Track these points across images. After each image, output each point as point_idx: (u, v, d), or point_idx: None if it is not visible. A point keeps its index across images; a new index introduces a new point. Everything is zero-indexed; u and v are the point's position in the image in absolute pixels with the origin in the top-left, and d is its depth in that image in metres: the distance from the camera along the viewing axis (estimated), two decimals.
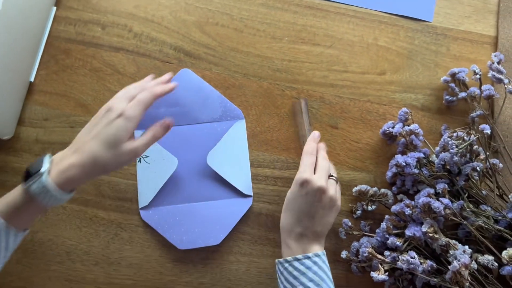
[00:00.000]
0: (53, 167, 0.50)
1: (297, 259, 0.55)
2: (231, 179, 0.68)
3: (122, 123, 0.52)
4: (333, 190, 0.59)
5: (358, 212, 0.68)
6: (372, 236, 0.65)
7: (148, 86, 0.57)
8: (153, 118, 0.63)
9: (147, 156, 0.69)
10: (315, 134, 0.65)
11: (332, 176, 0.61)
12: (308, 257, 0.55)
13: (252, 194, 0.68)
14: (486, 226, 0.60)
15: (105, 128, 0.52)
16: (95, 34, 0.74)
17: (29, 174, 0.49)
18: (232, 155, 0.69)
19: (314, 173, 0.60)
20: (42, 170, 0.49)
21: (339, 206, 0.60)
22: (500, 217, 0.61)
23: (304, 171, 0.59)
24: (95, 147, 0.51)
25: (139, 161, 0.69)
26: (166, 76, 0.61)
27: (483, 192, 0.64)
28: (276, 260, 0.57)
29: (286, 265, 0.55)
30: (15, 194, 0.49)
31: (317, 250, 0.57)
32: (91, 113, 0.71)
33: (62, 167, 0.50)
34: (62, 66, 0.72)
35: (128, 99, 0.54)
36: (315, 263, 0.55)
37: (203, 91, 0.72)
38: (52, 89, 0.72)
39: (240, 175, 0.69)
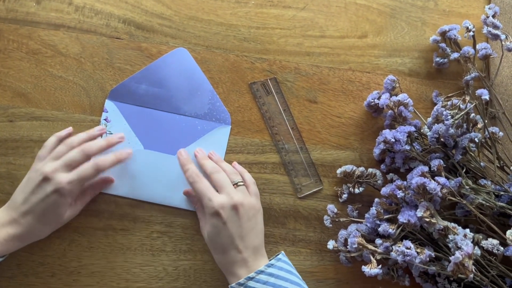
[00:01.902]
0: None
1: (250, 278, 0.50)
2: None
3: (59, 201, 0.52)
4: (247, 197, 0.55)
5: (344, 196, 0.61)
6: (361, 222, 0.58)
7: (91, 149, 0.55)
8: (131, 92, 0.61)
9: (111, 133, 0.60)
10: (182, 154, 0.60)
11: (237, 182, 0.56)
12: (262, 271, 0.51)
13: None
14: (487, 203, 0.53)
15: (41, 203, 0.51)
16: (29, 10, 0.63)
17: None
18: None
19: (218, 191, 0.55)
20: None
21: (260, 206, 0.57)
22: (502, 192, 0.55)
23: (209, 200, 0.53)
24: (32, 222, 0.52)
25: (101, 136, 0.60)
26: (117, 135, 0.59)
27: (482, 164, 0.57)
28: (229, 286, 0.51)
29: None
30: None
31: (265, 260, 0.53)
32: (32, 103, 0.61)
33: (3, 237, 0.51)
34: None
35: (68, 167, 0.53)
36: (270, 275, 0.51)
37: (195, 79, 0.62)
38: None
39: None
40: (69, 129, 0.58)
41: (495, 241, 0.50)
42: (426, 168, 0.53)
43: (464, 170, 0.56)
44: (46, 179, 0.51)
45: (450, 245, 0.51)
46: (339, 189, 0.62)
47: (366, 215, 0.57)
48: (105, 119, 0.61)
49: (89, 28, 0.63)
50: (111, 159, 0.55)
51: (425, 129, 0.60)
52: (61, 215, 0.53)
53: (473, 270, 0.46)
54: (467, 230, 0.51)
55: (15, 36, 0.62)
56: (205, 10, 0.64)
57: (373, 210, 0.56)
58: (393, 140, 0.55)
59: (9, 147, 0.60)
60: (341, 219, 0.59)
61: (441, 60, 0.63)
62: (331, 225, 0.59)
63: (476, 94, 0.56)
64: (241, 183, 0.56)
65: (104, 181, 0.59)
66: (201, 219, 0.57)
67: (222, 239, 0.52)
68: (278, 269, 0.52)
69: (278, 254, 0.54)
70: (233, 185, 0.55)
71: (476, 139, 0.54)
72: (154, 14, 0.63)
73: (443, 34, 0.63)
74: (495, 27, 0.59)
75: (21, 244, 0.53)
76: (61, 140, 0.56)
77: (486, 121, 0.56)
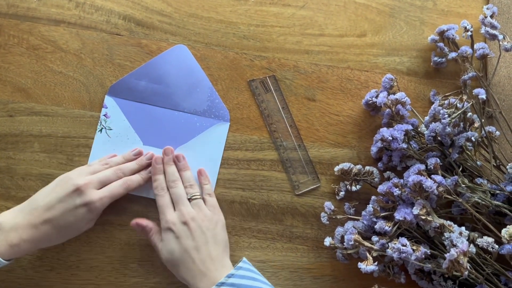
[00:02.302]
0: (2, 236, 0.49)
1: None
2: (195, 177, 0.61)
3: (85, 215, 0.53)
4: (200, 210, 0.56)
5: (341, 193, 0.61)
6: (357, 220, 0.58)
7: (125, 172, 0.58)
8: (130, 89, 0.62)
9: (111, 129, 0.61)
10: (157, 161, 0.59)
11: (192, 197, 0.57)
12: (222, 284, 0.50)
13: None
14: (483, 202, 0.54)
15: (66, 213, 0.52)
16: (30, 6, 0.63)
17: None
18: (203, 156, 0.61)
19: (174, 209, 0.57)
20: None
21: (220, 218, 0.57)
22: (497, 191, 0.55)
23: (164, 216, 0.56)
24: (52, 230, 0.52)
25: (100, 131, 0.61)
26: (147, 156, 0.60)
27: (478, 163, 0.57)
28: None
29: None
30: None
31: (227, 270, 0.53)
32: (32, 98, 0.61)
33: (13, 241, 0.50)
34: None
35: (100, 183, 0.55)
36: (232, 285, 0.50)
37: (194, 76, 0.63)
38: None
39: None
40: (112, 154, 0.60)
41: (490, 239, 0.51)
42: (422, 166, 0.53)
43: (460, 169, 0.56)
44: (77, 191, 0.53)
45: (445, 243, 0.51)
46: (337, 186, 0.62)
47: (363, 213, 0.57)
48: (104, 115, 0.61)
49: (90, 24, 0.63)
50: (138, 181, 0.58)
51: (422, 128, 0.60)
52: (81, 228, 0.54)
53: (468, 267, 0.46)
54: (463, 228, 0.51)
55: (16, 31, 0.63)
56: (205, 8, 0.64)
57: (369, 207, 0.56)
58: (391, 138, 0.55)
59: (8, 141, 0.61)
60: (338, 217, 0.59)
61: (439, 60, 0.64)
62: (328, 222, 0.60)
63: (473, 93, 0.56)
64: (197, 196, 0.57)
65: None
66: (157, 243, 0.56)
67: (178, 253, 0.53)
68: (240, 277, 0.51)
69: (239, 262, 0.54)
70: (189, 198, 0.57)
71: (472, 138, 0.55)
72: (154, 11, 0.64)
73: (441, 33, 0.63)
74: (493, 27, 0.60)
75: (31, 250, 0.52)
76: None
77: (483, 120, 0.57)
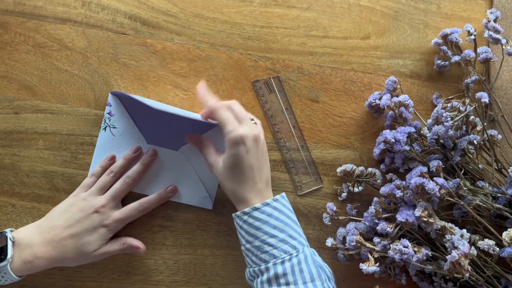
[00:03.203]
0: (17, 253, 0.51)
1: (256, 209, 0.51)
2: (198, 177, 0.62)
3: (103, 234, 0.55)
4: (262, 132, 0.56)
5: (344, 195, 0.61)
6: (359, 221, 0.59)
7: (134, 180, 0.59)
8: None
9: (115, 127, 0.61)
10: (202, 86, 0.58)
11: (252, 119, 0.56)
12: (267, 204, 0.52)
13: (211, 207, 0.62)
14: (484, 205, 0.54)
15: (85, 232, 0.54)
16: (37, 4, 0.63)
17: None
18: None
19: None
20: (6, 259, 0.50)
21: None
22: (499, 194, 0.56)
23: (234, 128, 0.53)
24: (68, 248, 0.53)
25: (104, 129, 0.61)
26: (149, 153, 0.61)
27: (480, 166, 0.58)
28: (233, 215, 0.53)
29: (245, 217, 0.52)
30: None
31: (271, 196, 0.54)
32: (38, 95, 0.62)
33: (28, 258, 0.52)
34: (0, 42, 0.62)
35: (115, 199, 0.57)
36: (275, 208, 0.52)
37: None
38: None
39: (209, 179, 0.62)
40: (112, 156, 0.61)
41: (491, 242, 0.51)
42: (425, 169, 0.54)
43: (462, 172, 0.56)
44: (96, 212, 0.55)
45: (447, 245, 0.51)
46: (339, 187, 0.62)
47: (365, 214, 0.58)
48: (108, 113, 0.61)
49: (96, 23, 0.64)
50: (155, 199, 0.59)
51: (425, 130, 0.61)
52: (98, 248, 0.55)
53: (469, 269, 0.47)
54: (464, 231, 0.52)
55: (22, 29, 0.63)
56: (210, 8, 0.65)
57: (371, 209, 0.56)
58: (393, 141, 0.56)
59: (13, 138, 0.61)
60: (340, 217, 0.60)
61: (442, 63, 0.64)
62: (330, 223, 0.60)
63: (476, 97, 0.57)
64: (254, 121, 0.56)
65: (137, 248, 0.58)
66: (211, 154, 0.57)
67: (242, 168, 0.52)
68: (282, 205, 0.53)
69: (282, 194, 0.55)
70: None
71: (475, 141, 0.55)
72: (160, 11, 0.64)
73: (445, 37, 0.64)
74: (496, 31, 0.60)
75: (44, 268, 0.53)
76: (105, 169, 0.59)
77: (485, 123, 0.57)
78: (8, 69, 0.62)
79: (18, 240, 0.52)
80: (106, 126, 0.61)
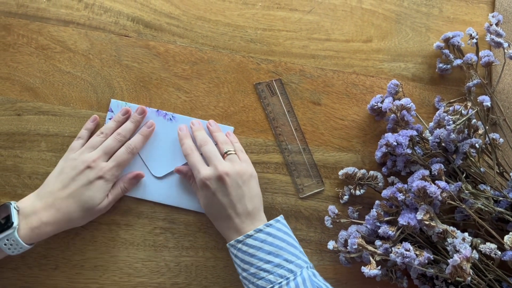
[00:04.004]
0: (23, 221, 0.51)
1: (249, 236, 0.52)
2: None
3: (102, 186, 0.55)
4: (235, 165, 0.56)
5: (345, 197, 0.62)
6: (361, 224, 0.59)
7: (125, 135, 0.58)
8: None
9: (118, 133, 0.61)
10: (182, 129, 0.60)
11: (227, 152, 0.57)
12: (260, 230, 0.52)
13: None
14: (486, 208, 0.54)
15: (83, 188, 0.54)
16: (40, 6, 0.64)
17: None
18: None
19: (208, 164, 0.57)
20: (13, 226, 0.50)
21: (254, 172, 0.57)
22: (500, 198, 0.56)
23: (198, 173, 0.55)
24: (72, 207, 0.53)
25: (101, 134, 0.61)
26: (139, 110, 0.61)
27: (482, 169, 0.58)
28: (228, 245, 0.54)
29: (239, 245, 0.52)
30: None
31: (262, 223, 0.54)
32: (40, 97, 0.62)
33: (34, 224, 0.52)
34: (3, 44, 0.63)
35: (106, 154, 0.56)
36: (268, 234, 0.52)
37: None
38: None
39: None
40: (94, 117, 0.61)
41: (493, 245, 0.51)
42: (426, 172, 0.54)
43: (464, 175, 0.56)
44: (89, 167, 0.54)
45: (448, 248, 0.51)
46: (341, 190, 0.62)
47: (367, 217, 0.58)
48: (110, 119, 0.61)
49: (98, 25, 0.64)
50: (140, 139, 0.59)
51: (426, 134, 0.61)
52: (99, 201, 0.55)
53: (471, 273, 0.47)
54: (466, 234, 0.52)
55: (25, 31, 0.63)
56: (213, 11, 0.65)
57: (373, 212, 0.56)
58: (395, 144, 0.56)
59: (16, 140, 0.61)
60: (342, 220, 0.60)
61: (444, 66, 0.64)
62: (331, 226, 0.60)
63: (477, 100, 0.57)
64: (231, 152, 0.57)
65: (136, 176, 0.59)
66: (196, 191, 0.59)
67: (214, 208, 0.55)
68: (276, 229, 0.53)
69: (277, 217, 0.55)
70: (224, 154, 0.57)
71: (476, 145, 0.55)
72: (163, 13, 0.64)
73: (447, 40, 0.64)
74: (498, 35, 0.60)
75: (53, 232, 0.53)
76: (91, 132, 0.60)
77: (487, 127, 0.57)
78: (11, 71, 0.62)
79: (22, 209, 0.52)
80: (103, 132, 0.61)
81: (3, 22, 0.63)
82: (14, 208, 0.52)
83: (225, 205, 0.53)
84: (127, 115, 0.60)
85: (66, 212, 0.53)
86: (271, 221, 0.54)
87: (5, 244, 0.50)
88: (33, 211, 0.52)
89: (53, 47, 0.63)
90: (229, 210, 0.53)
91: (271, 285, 0.49)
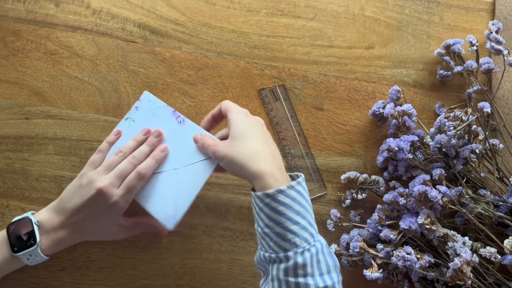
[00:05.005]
0: (43, 236, 0.53)
1: (281, 191, 0.46)
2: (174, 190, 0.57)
3: (114, 214, 0.54)
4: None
5: (348, 201, 0.62)
6: (363, 227, 0.60)
7: (139, 159, 0.56)
8: None
9: (134, 121, 0.59)
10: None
11: None
12: (292, 187, 0.47)
13: (171, 227, 0.55)
14: (486, 213, 0.55)
15: (97, 216, 0.54)
16: (48, 12, 0.65)
17: (19, 243, 0.53)
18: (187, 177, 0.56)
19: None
20: (36, 243, 0.53)
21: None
22: (500, 202, 0.57)
23: (247, 113, 0.54)
24: (88, 232, 0.55)
25: (126, 119, 0.59)
26: (155, 133, 0.58)
27: (482, 174, 0.59)
28: (253, 193, 0.48)
29: (267, 200, 0.46)
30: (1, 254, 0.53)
31: (285, 177, 0.50)
32: (48, 101, 0.63)
33: (54, 240, 0.54)
34: (12, 49, 0.64)
35: (119, 178, 0.54)
36: (299, 192, 0.48)
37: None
38: (2, 76, 0.63)
39: (183, 197, 0.55)
40: (118, 131, 0.58)
41: (493, 249, 0.52)
42: (427, 177, 0.55)
43: (464, 180, 0.57)
44: (100, 193, 0.52)
45: (449, 252, 0.52)
46: (343, 194, 0.63)
47: (368, 221, 0.59)
48: (136, 107, 0.59)
49: (105, 31, 0.65)
50: (152, 164, 0.55)
51: (427, 139, 0.62)
52: (115, 225, 0.56)
53: (471, 277, 0.47)
54: (466, 238, 0.52)
55: (34, 36, 0.64)
56: (217, 18, 0.66)
57: (375, 215, 0.57)
58: (397, 149, 0.57)
59: (24, 143, 0.62)
60: (344, 224, 0.61)
61: (445, 73, 0.65)
62: (334, 229, 0.61)
63: (478, 106, 0.58)
64: None
65: (158, 228, 0.59)
66: (210, 138, 0.54)
67: (254, 135, 0.51)
68: (303, 188, 0.49)
69: (299, 175, 0.51)
70: None
71: (477, 150, 0.56)
72: (169, 20, 0.66)
73: (448, 47, 0.65)
74: (498, 42, 0.61)
75: (70, 245, 0.56)
76: (111, 144, 0.57)
77: (487, 133, 0.58)
78: (20, 76, 0.64)
79: (42, 224, 0.54)
80: (128, 118, 0.59)
81: (12, 28, 0.64)
82: (35, 224, 0.53)
83: (266, 139, 0.52)
84: (147, 136, 0.58)
85: (81, 234, 0.55)
86: (299, 179, 0.49)
87: (27, 259, 0.53)
88: (52, 228, 0.54)
89: (61, 52, 0.64)
90: (269, 144, 0.52)
91: (295, 249, 0.45)
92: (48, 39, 0.64)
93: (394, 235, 0.54)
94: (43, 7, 0.65)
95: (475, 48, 0.63)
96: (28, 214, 0.54)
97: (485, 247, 0.53)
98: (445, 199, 0.53)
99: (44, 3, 0.65)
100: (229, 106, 0.54)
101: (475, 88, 0.62)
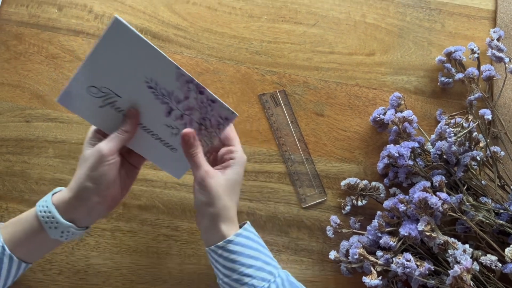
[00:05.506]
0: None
1: (230, 241, 0.48)
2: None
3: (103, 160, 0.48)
4: None
5: (347, 208, 0.62)
6: (362, 234, 0.59)
7: None
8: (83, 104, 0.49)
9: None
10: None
11: None
12: (239, 234, 0.49)
13: (179, 178, 0.54)
14: (487, 221, 0.55)
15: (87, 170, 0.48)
16: (51, 16, 0.66)
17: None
18: None
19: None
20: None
21: None
22: (501, 210, 0.56)
23: (242, 151, 0.53)
24: (87, 189, 0.48)
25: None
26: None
27: (483, 182, 0.58)
28: (207, 249, 0.50)
29: (220, 251, 0.49)
30: (24, 220, 0.48)
31: (237, 226, 0.51)
32: (49, 105, 0.63)
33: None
34: (14, 53, 0.64)
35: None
36: (247, 237, 0.50)
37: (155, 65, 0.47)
38: (4, 79, 0.64)
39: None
40: None
41: (494, 257, 0.51)
42: (428, 183, 0.54)
43: (465, 187, 0.57)
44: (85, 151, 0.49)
45: (449, 260, 0.52)
46: (343, 201, 0.63)
47: (368, 227, 0.58)
48: None
49: None
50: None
51: (428, 146, 0.61)
52: (108, 175, 0.48)
53: (471, 285, 0.47)
54: (467, 246, 0.52)
55: (36, 40, 0.65)
56: (219, 23, 0.66)
57: (375, 222, 0.57)
58: (397, 155, 0.57)
59: (24, 146, 0.62)
60: (344, 230, 0.60)
61: (446, 80, 0.65)
62: (333, 236, 0.60)
63: (479, 113, 0.58)
64: None
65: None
66: (204, 161, 0.51)
67: (238, 189, 0.52)
68: (251, 232, 0.51)
69: (246, 222, 0.53)
70: None
71: (477, 157, 0.56)
72: (170, 25, 0.66)
73: (449, 54, 0.65)
74: (500, 50, 0.61)
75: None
76: None
77: (488, 140, 0.58)
78: (21, 79, 0.64)
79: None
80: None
81: (15, 32, 0.65)
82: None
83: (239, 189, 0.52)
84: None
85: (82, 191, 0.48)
86: (246, 225, 0.51)
87: (61, 236, 0.48)
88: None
89: (63, 56, 0.65)
90: (237, 195, 0.52)
91: None
92: (50, 42, 0.65)
93: (394, 242, 0.54)
94: (46, 11, 0.66)
95: (476, 55, 0.63)
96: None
97: (486, 255, 0.52)
98: (445, 206, 0.53)
99: (47, 7, 0.66)
100: (236, 141, 0.53)
101: (476, 95, 0.62)
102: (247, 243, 0.50)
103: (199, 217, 0.51)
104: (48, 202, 0.48)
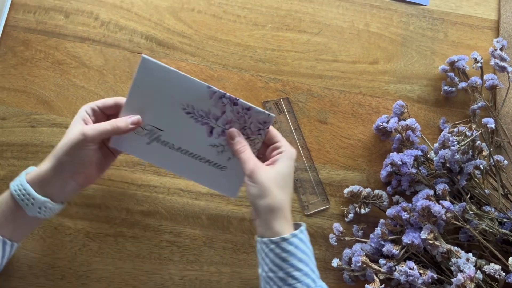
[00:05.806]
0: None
1: (284, 239, 0.48)
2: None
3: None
4: None
5: (350, 216, 0.62)
6: (365, 242, 0.59)
7: None
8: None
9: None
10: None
11: None
12: (295, 235, 0.48)
13: (235, 196, 0.56)
14: (490, 230, 0.54)
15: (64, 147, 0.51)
16: (58, 23, 0.66)
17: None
18: None
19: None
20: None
21: None
22: (505, 219, 0.56)
23: (289, 145, 0.53)
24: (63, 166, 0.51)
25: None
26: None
27: (486, 191, 0.58)
28: (259, 239, 0.49)
29: (272, 246, 0.48)
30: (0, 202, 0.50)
31: (291, 226, 0.50)
32: (54, 110, 0.64)
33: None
34: (21, 59, 0.65)
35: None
36: (301, 240, 0.49)
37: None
38: (10, 85, 0.64)
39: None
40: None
41: (497, 266, 0.51)
42: (431, 192, 0.54)
43: (468, 196, 0.57)
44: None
45: (452, 268, 0.52)
46: (346, 208, 0.63)
47: (371, 235, 0.58)
48: None
49: (113, 42, 0.66)
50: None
51: (431, 154, 0.61)
52: (86, 156, 0.51)
53: None
54: (470, 255, 0.52)
55: (43, 46, 0.65)
56: (224, 31, 0.67)
57: (378, 230, 0.57)
58: (400, 163, 0.57)
59: (29, 151, 0.63)
60: (346, 238, 0.60)
61: (449, 89, 0.65)
62: (336, 244, 0.60)
63: (482, 122, 0.58)
64: None
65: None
66: (252, 156, 0.52)
67: (290, 181, 0.51)
68: (305, 236, 0.50)
69: (301, 223, 0.52)
70: None
71: (481, 166, 0.56)
72: (175, 32, 0.67)
73: (452, 64, 0.65)
74: (503, 59, 0.62)
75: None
76: None
77: (491, 149, 0.58)
78: (27, 84, 0.64)
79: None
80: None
81: (22, 38, 0.65)
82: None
83: (291, 184, 0.51)
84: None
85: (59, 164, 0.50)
86: (302, 228, 0.50)
87: (19, 193, 0.49)
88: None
89: (69, 62, 0.65)
90: (290, 191, 0.51)
91: None
92: (56, 49, 0.66)
93: (397, 250, 0.54)
94: (53, 18, 0.66)
95: (479, 64, 0.63)
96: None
97: (489, 264, 0.52)
98: (448, 214, 0.52)
99: (54, 14, 0.66)
100: (280, 137, 0.54)
101: (479, 104, 0.62)
102: (301, 246, 0.49)
103: (254, 211, 0.51)
104: (22, 181, 0.49)
